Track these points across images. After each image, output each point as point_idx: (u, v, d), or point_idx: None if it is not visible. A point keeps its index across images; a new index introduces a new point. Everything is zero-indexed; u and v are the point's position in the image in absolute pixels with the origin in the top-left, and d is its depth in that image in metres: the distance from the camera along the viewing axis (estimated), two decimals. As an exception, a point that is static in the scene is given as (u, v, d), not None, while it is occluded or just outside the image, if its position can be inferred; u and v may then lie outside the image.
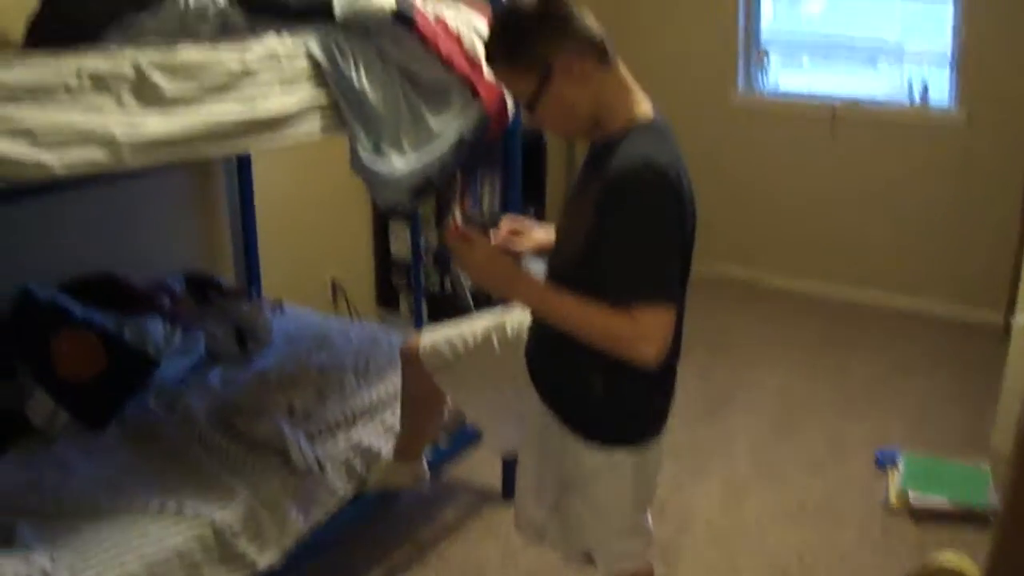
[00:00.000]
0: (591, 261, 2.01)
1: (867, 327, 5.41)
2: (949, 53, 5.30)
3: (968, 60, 5.19)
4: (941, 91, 5.38)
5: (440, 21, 2.83)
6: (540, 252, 2.40)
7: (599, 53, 2.04)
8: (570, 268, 2.11)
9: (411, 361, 2.65)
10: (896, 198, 5.55)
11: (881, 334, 5.30)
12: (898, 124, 5.47)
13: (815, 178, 5.79)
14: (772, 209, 5.98)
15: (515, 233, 2.43)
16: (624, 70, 2.10)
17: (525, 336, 2.37)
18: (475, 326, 2.59)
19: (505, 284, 2.11)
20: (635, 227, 1.93)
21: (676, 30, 5.97)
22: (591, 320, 1.97)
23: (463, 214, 2.10)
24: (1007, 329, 3.78)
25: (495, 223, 2.48)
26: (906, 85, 5.47)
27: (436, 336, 2.62)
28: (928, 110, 5.39)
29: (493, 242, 2.31)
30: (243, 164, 3.87)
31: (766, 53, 5.88)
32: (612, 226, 1.95)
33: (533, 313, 2.25)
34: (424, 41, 2.66)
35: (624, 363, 1.96)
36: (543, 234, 2.42)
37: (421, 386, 2.66)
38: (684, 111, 5.55)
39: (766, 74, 5.90)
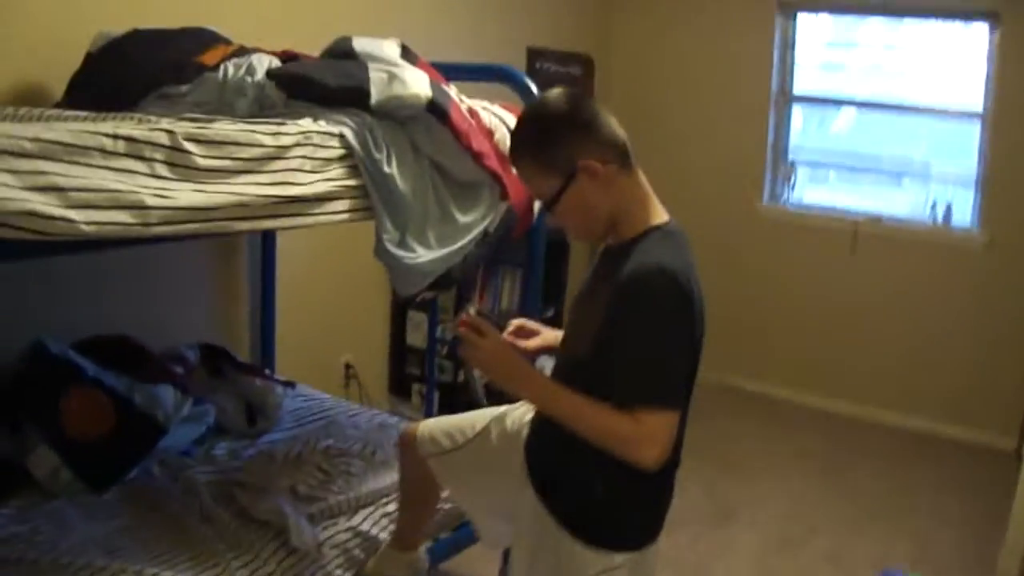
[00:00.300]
0: (598, 361, 2.01)
1: (877, 445, 5.35)
2: (974, 175, 5.36)
3: (993, 183, 5.26)
4: (964, 212, 5.43)
5: (475, 115, 2.86)
6: (547, 352, 2.41)
7: (621, 157, 2.08)
8: (576, 367, 2.12)
9: (408, 446, 2.65)
10: (913, 317, 5.55)
11: (891, 453, 5.24)
12: (919, 242, 5.50)
13: (833, 292, 5.80)
14: (789, 322, 5.98)
15: (523, 332, 2.44)
16: (643, 176, 2.13)
17: (525, 431, 2.36)
18: (475, 417, 2.59)
19: (512, 377, 2.12)
20: (645, 330, 1.95)
21: (706, 139, 6.06)
22: (595, 419, 1.97)
23: (476, 309, 2.13)
24: (1019, 455, 3.75)
25: (505, 322, 2.49)
26: (929, 205, 5.52)
27: (435, 424, 2.63)
28: (950, 230, 5.44)
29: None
30: (267, 241, 3.90)
31: (794, 167, 5.93)
32: (622, 328, 1.96)
33: (537, 409, 2.25)
34: (456, 135, 2.69)
35: (626, 466, 1.95)
36: (551, 336, 2.43)
37: (418, 473, 2.65)
38: (708, 219, 5.66)
39: (792, 187, 5.95)
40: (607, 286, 2.01)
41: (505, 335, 2.39)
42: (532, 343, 2.42)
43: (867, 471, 4.97)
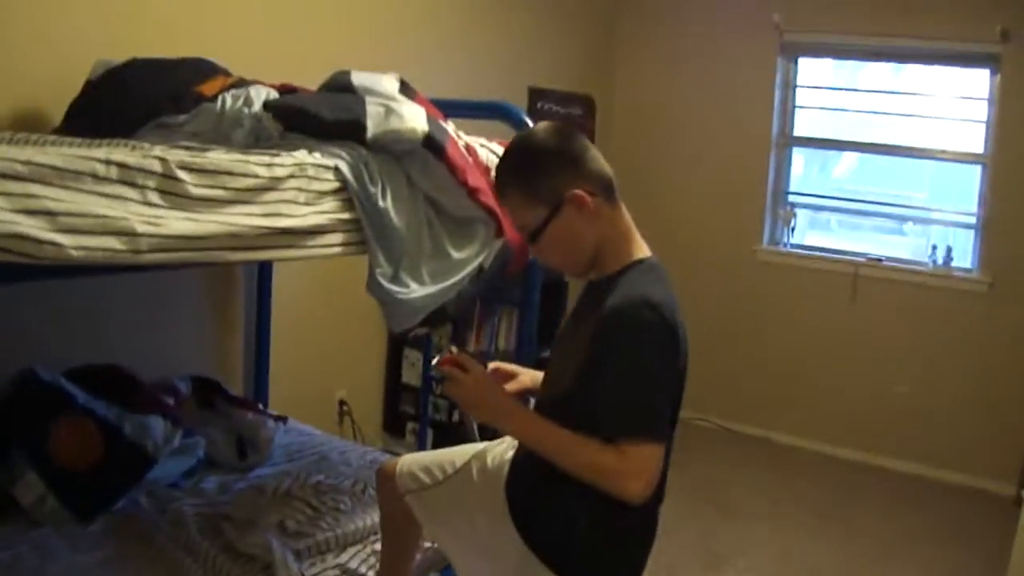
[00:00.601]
0: (581, 395, 2.01)
1: (876, 491, 5.30)
2: (975, 218, 5.39)
3: (993, 226, 5.27)
4: (965, 255, 5.45)
5: (472, 151, 2.86)
6: (527, 394, 2.39)
7: (607, 191, 2.10)
8: (558, 402, 2.11)
9: (387, 482, 2.60)
10: (913, 361, 5.53)
11: (890, 499, 5.19)
12: (920, 285, 5.50)
13: (833, 336, 5.77)
14: (788, 365, 5.94)
15: (500, 375, 2.42)
16: (626, 211, 2.14)
17: (506, 468, 2.33)
18: (456, 454, 2.55)
19: (496, 411, 2.11)
20: (629, 363, 1.95)
21: (706, 180, 6.06)
22: (580, 452, 1.96)
23: (458, 347, 2.14)
24: (1018, 500, 3.71)
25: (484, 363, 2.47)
26: (930, 248, 5.53)
27: (415, 459, 2.59)
28: (951, 273, 5.43)
29: None
30: (264, 274, 3.89)
31: (794, 210, 5.94)
32: (607, 361, 1.96)
33: (521, 444, 2.23)
34: (452, 170, 2.68)
35: (609, 501, 1.94)
36: (529, 378, 2.42)
37: (398, 508, 2.59)
38: (707, 261, 5.65)
39: (792, 231, 5.95)
40: (591, 319, 2.01)
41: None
42: (510, 387, 2.39)
43: (866, 516, 4.92)
